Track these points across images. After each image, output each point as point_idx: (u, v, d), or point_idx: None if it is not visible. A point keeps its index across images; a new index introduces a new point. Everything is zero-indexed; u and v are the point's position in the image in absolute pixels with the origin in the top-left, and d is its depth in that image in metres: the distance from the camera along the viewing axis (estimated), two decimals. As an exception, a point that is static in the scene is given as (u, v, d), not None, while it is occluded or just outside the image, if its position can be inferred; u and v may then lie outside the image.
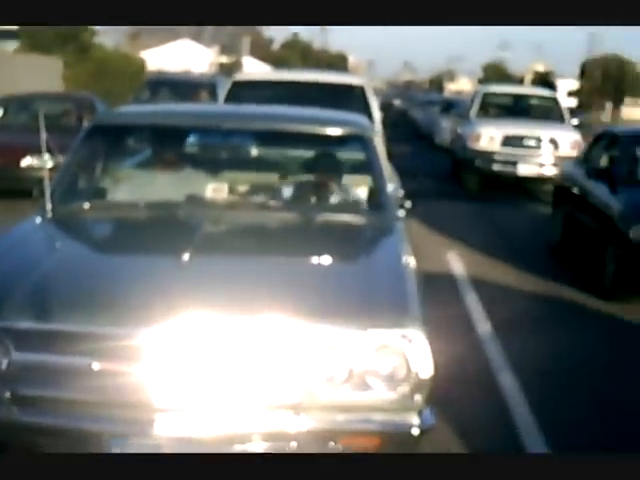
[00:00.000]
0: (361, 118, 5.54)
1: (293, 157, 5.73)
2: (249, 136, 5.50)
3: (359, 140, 5.10)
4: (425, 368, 3.27)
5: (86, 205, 4.62)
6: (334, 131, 5.02)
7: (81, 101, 14.53)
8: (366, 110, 8.52)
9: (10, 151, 11.46)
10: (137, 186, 4.97)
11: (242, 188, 5.16)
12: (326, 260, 4.00)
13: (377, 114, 9.11)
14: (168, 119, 5.17)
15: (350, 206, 4.98)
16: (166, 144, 5.11)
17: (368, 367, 3.25)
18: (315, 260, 4.03)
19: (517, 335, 6.58)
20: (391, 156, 9.45)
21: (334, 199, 5.01)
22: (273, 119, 5.20)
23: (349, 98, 8.74)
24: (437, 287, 7.58)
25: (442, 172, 17.94)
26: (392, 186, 4.89)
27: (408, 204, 4.93)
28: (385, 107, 28.64)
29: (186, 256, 3.64)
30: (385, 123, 10.42)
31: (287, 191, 5.07)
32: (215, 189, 4.80)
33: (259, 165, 5.57)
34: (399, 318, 3.34)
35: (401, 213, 4.76)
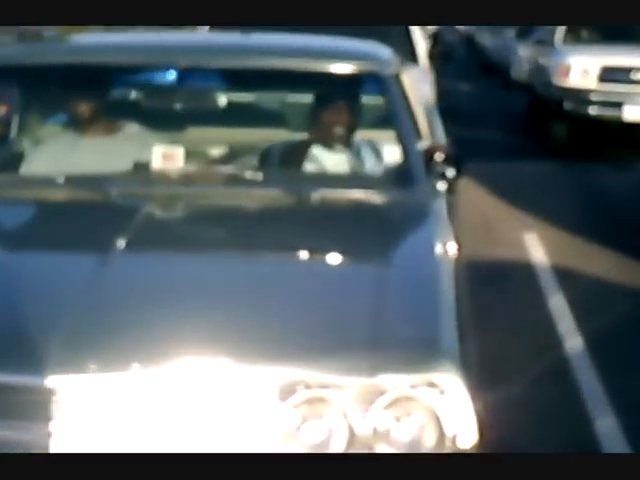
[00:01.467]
0: (379, 48, 5.27)
1: (283, 107, 5.59)
2: (216, 77, 5.36)
3: (376, 80, 4.87)
4: (465, 432, 2.95)
5: None
6: (339, 68, 4.75)
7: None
8: (407, 39, 8.69)
9: None
10: (58, 152, 4.84)
11: (205, 153, 5.03)
12: (320, 264, 3.78)
13: (421, 44, 9.22)
14: (95, 55, 4.95)
15: (360, 178, 4.73)
16: (95, 92, 4.90)
17: (378, 430, 2.94)
18: (303, 264, 3.79)
19: (620, 358, 6.29)
20: (440, 99, 9.30)
21: (338, 167, 4.76)
22: (251, 52, 4.96)
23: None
24: (510, 284, 7.69)
25: (518, 119, 17.86)
26: (426, 146, 4.60)
27: (451, 172, 4.54)
28: (444, 32, 28.67)
29: (113, 263, 3.52)
30: (433, 55, 10.23)
31: (270, 157, 4.86)
32: (165, 156, 4.54)
33: (230, 120, 5.39)
34: (426, 357, 3.05)
35: (440, 186, 4.46)
